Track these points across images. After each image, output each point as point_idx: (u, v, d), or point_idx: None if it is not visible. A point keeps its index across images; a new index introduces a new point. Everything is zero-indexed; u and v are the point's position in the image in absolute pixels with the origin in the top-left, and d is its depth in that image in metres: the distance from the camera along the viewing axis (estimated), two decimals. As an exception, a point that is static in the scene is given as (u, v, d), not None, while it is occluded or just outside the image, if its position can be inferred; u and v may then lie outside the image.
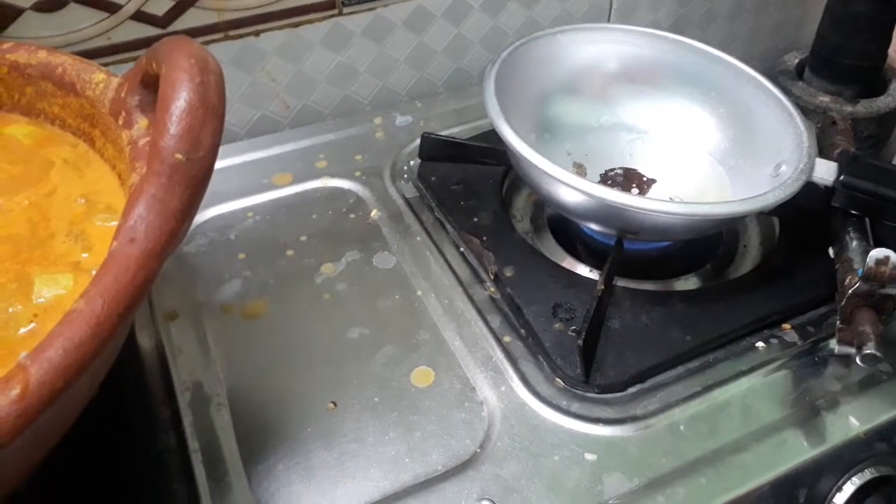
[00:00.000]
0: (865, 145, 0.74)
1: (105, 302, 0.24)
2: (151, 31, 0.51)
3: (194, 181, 0.28)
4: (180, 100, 0.28)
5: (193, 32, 0.53)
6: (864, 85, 0.73)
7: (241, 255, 0.47)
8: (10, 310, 0.29)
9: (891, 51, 0.72)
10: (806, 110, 0.72)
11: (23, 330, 0.29)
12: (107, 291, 0.25)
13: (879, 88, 0.73)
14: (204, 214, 0.50)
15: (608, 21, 0.68)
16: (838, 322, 0.38)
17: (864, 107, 0.71)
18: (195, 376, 0.40)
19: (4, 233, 0.32)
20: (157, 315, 0.44)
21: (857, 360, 0.36)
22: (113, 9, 0.49)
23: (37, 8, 0.47)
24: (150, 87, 0.32)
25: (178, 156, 0.27)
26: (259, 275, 0.46)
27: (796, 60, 0.77)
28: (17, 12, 0.47)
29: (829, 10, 0.71)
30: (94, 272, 0.26)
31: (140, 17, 0.51)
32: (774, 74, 0.76)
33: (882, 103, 0.71)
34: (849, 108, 0.71)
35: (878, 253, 0.36)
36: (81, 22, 0.49)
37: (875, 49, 0.71)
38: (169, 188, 0.27)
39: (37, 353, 0.23)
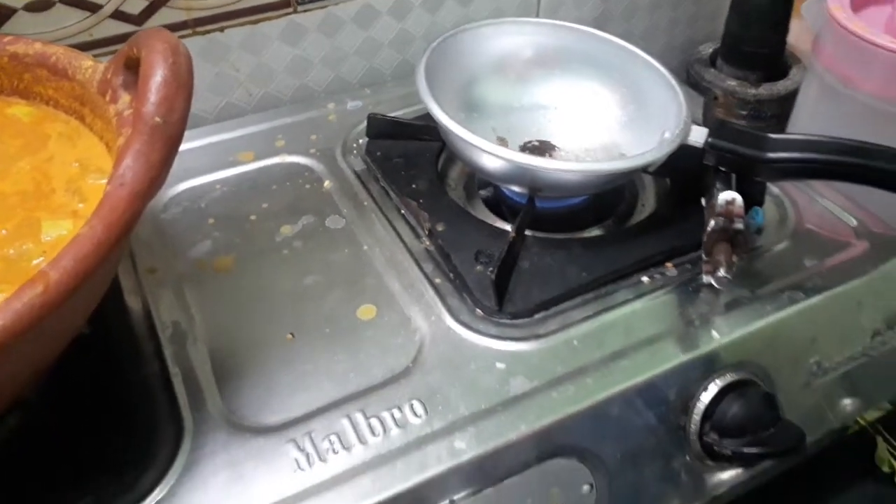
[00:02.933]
0: (770, 123, 0.83)
1: (103, 227, 0.32)
2: (128, 27, 0.58)
3: (170, 140, 0.35)
4: (157, 76, 0.35)
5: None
6: (768, 70, 0.81)
7: (211, 221, 0.55)
8: (24, 246, 0.36)
9: (790, 39, 0.81)
10: (715, 93, 0.82)
11: (35, 261, 0.36)
12: (104, 220, 0.32)
13: (782, 73, 0.83)
14: (178, 187, 0.57)
15: (536, 16, 0.76)
16: (703, 256, 0.47)
17: (767, 90, 0.80)
18: (174, 317, 0.47)
19: (14, 189, 0.40)
20: (139, 271, 0.51)
21: (713, 282, 0.45)
22: (94, 8, 0.57)
23: (28, 8, 0.54)
24: (132, 69, 0.39)
25: (157, 119, 0.35)
26: (227, 235, 0.53)
27: (710, 50, 0.86)
28: (11, 12, 0.54)
29: (734, 3, 0.80)
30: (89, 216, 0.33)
31: (118, 15, 0.58)
32: (691, 62, 0.86)
33: (781, 86, 0.81)
34: (752, 91, 0.80)
35: (726, 195, 0.44)
36: (67, 20, 0.56)
37: (774, 38, 0.80)
38: (150, 144, 0.35)
39: (54, 262, 0.30)
